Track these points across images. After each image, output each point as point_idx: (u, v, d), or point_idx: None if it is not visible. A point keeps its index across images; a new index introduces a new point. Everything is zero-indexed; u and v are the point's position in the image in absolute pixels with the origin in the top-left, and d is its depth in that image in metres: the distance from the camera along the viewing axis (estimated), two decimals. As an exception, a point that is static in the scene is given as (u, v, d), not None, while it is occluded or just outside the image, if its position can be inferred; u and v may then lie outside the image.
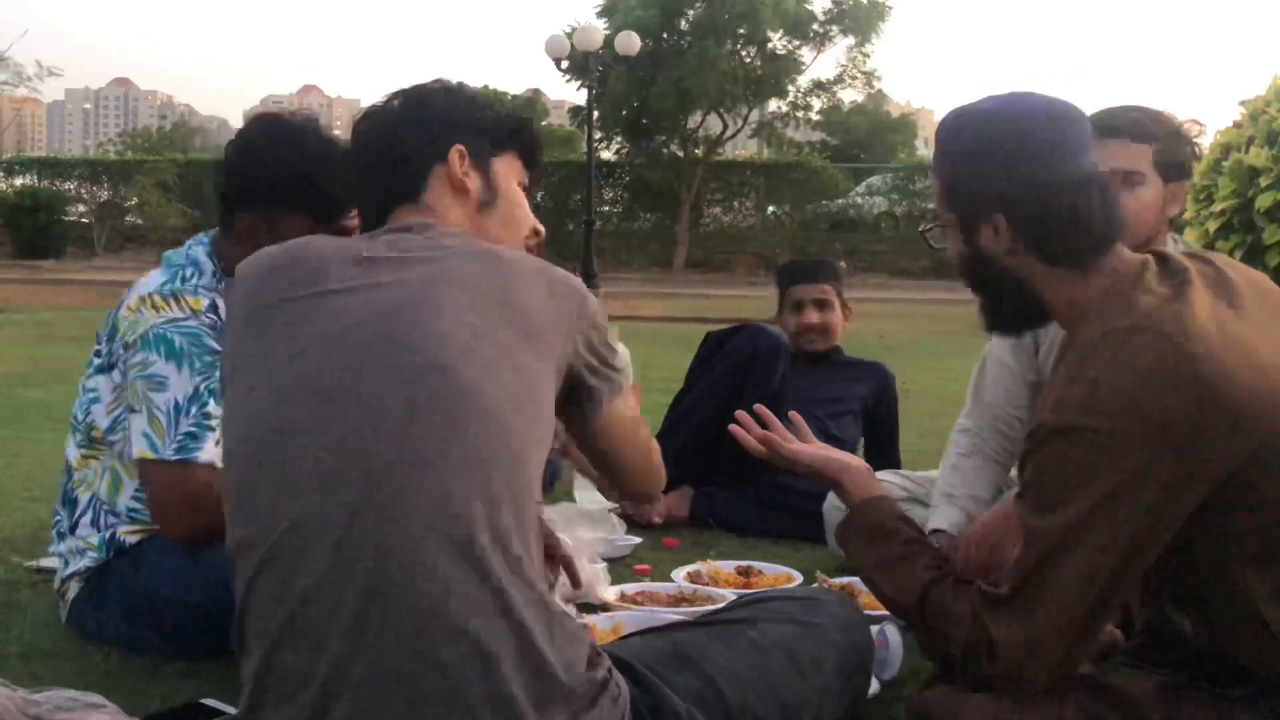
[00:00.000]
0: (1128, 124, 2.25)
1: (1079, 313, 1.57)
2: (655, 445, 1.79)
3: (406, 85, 1.72)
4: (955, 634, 1.56)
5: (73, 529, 2.25)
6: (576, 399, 1.57)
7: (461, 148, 1.63)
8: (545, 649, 1.30)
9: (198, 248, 2.27)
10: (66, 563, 2.26)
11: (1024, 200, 1.57)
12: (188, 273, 2.20)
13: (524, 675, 1.28)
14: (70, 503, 2.27)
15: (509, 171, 1.69)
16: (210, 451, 2.09)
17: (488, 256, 1.49)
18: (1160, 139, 2.25)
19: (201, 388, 2.10)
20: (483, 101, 1.71)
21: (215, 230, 2.32)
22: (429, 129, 1.64)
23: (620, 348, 1.80)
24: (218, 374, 2.10)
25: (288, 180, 2.17)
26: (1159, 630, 1.62)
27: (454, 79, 1.75)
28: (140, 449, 2.11)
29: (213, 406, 2.11)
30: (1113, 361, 1.47)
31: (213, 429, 2.11)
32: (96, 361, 2.24)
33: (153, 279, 2.21)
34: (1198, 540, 1.49)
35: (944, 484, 2.56)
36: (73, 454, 2.28)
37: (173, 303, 2.15)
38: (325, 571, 1.29)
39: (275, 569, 1.33)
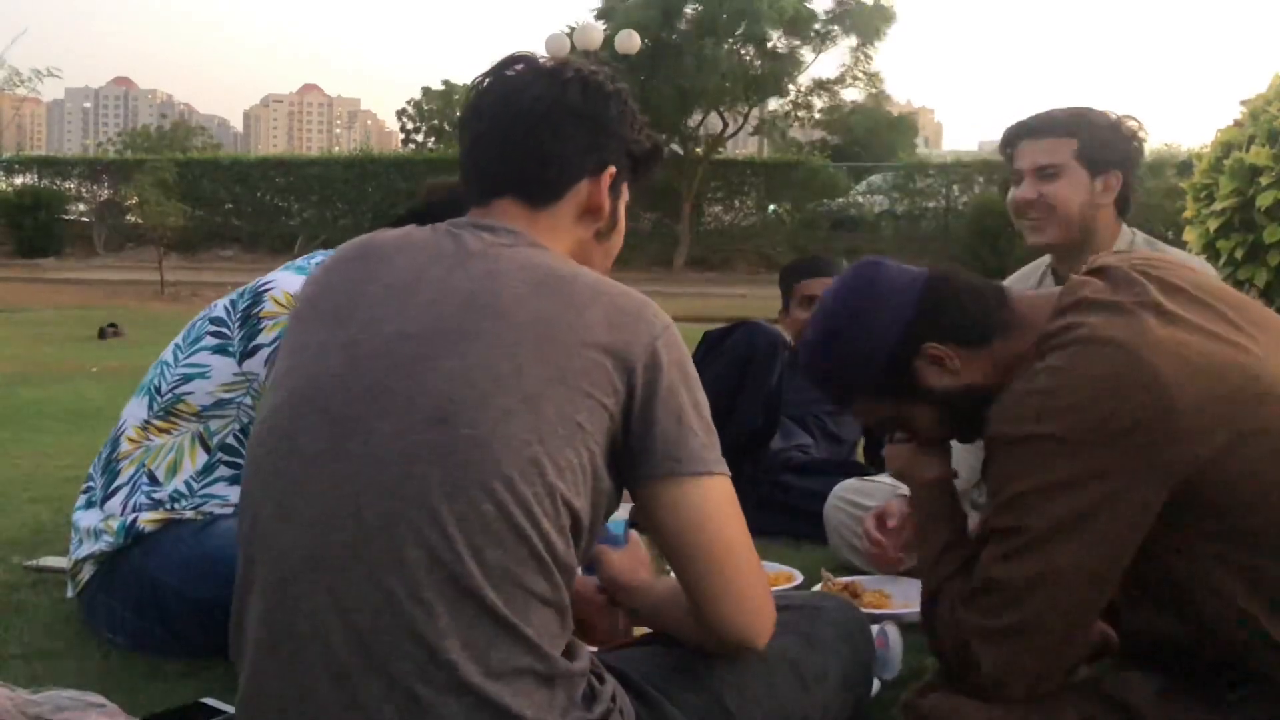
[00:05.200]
0: (1047, 124, 2.49)
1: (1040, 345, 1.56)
2: (757, 568, 1.42)
3: (570, 58, 1.51)
4: (945, 635, 1.58)
5: (104, 500, 2.23)
6: (628, 463, 1.36)
7: (614, 170, 1.49)
8: (542, 707, 1.26)
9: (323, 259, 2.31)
10: (81, 542, 2.24)
11: (923, 314, 1.63)
12: None
13: None
14: (110, 472, 2.25)
15: (624, 199, 1.55)
16: None
17: (547, 281, 1.35)
18: (1082, 134, 2.46)
19: None
20: (640, 117, 1.53)
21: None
22: (595, 136, 1.47)
23: None
24: None
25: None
26: (1147, 632, 1.62)
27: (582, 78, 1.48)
28: None
29: None
30: (1068, 371, 1.48)
31: None
32: (215, 342, 2.24)
33: (294, 281, 2.21)
34: (1170, 541, 1.50)
35: None
36: (134, 420, 2.26)
37: None
38: (315, 612, 1.26)
39: (270, 597, 1.30)
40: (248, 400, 2.20)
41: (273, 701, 1.29)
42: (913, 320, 1.63)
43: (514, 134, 1.46)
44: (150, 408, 2.25)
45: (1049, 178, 2.46)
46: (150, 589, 2.15)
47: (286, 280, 2.22)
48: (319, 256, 2.29)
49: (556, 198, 1.46)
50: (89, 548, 2.22)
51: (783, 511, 3.25)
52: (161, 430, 2.23)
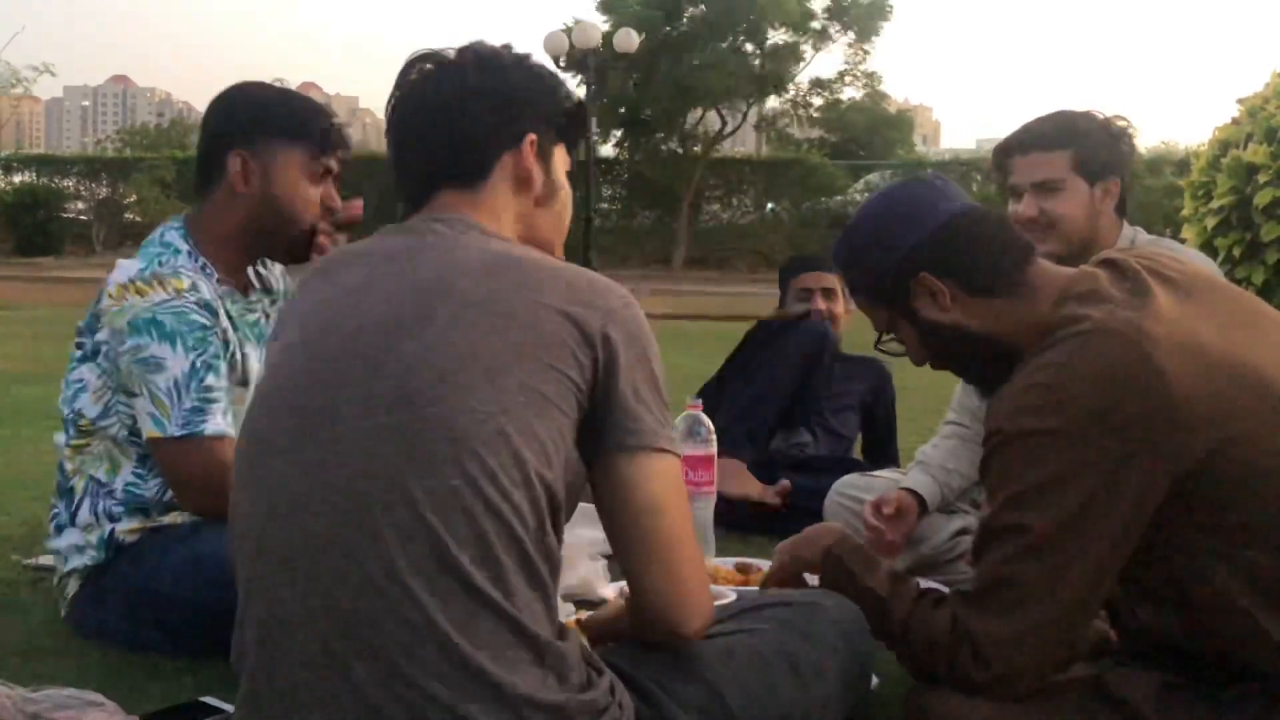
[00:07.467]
0: (1039, 136, 2.46)
1: (1040, 333, 1.58)
2: (696, 556, 1.42)
3: (470, 42, 1.53)
4: (939, 639, 1.58)
5: (72, 519, 2.24)
6: (589, 436, 1.36)
7: (534, 137, 1.51)
8: (534, 683, 1.26)
9: (171, 232, 2.29)
10: (66, 559, 2.25)
11: (932, 246, 1.65)
12: (164, 257, 2.22)
13: (510, 711, 1.24)
14: (67, 493, 2.26)
15: (562, 162, 1.57)
16: (216, 422, 2.12)
17: (503, 262, 1.38)
18: (1076, 144, 2.44)
19: (197, 363, 2.12)
20: (550, 81, 1.55)
21: (186, 213, 2.34)
22: (505, 110, 1.49)
23: None
24: (211, 349, 2.15)
25: (274, 104, 2.26)
26: (1146, 629, 1.63)
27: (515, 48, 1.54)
28: (149, 430, 2.13)
29: (212, 379, 2.14)
30: (1068, 365, 1.49)
31: (215, 400, 2.13)
32: (78, 354, 2.26)
33: (128, 267, 2.22)
34: (1168, 537, 1.51)
35: (920, 455, 2.81)
36: (64, 446, 2.28)
37: (155, 285, 2.16)
38: (297, 602, 1.28)
39: (255, 592, 1.33)
40: (121, 397, 2.19)
41: (271, 692, 1.30)
42: (920, 245, 1.66)
43: (427, 128, 1.49)
44: (67, 431, 2.28)
45: (1049, 193, 2.45)
46: (145, 597, 2.15)
47: (120, 271, 2.22)
48: (169, 233, 2.28)
49: (484, 177, 1.49)
50: (74, 562, 2.23)
51: (782, 509, 3.25)
52: (81, 447, 2.25)
